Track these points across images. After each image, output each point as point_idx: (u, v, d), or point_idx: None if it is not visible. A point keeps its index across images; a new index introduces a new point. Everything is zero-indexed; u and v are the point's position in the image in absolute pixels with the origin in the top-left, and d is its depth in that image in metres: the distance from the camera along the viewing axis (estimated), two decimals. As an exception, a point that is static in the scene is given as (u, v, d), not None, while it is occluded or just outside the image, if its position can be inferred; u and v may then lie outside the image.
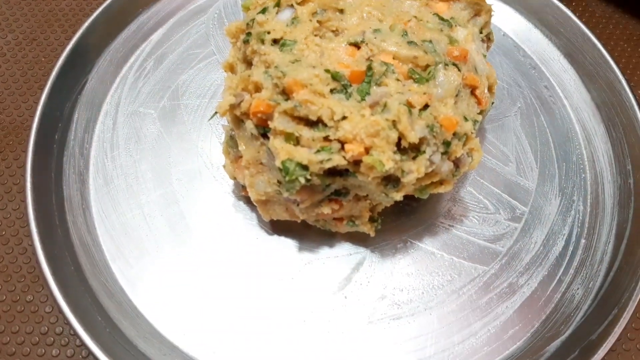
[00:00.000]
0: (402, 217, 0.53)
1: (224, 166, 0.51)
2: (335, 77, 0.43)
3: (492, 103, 0.52)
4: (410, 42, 0.46)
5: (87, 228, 0.52)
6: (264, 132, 0.44)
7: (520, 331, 0.49)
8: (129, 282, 0.50)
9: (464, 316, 0.49)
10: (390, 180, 0.44)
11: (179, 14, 0.65)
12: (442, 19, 0.49)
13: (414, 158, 0.43)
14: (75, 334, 0.44)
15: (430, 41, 0.47)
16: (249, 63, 0.48)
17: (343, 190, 0.46)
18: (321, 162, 0.41)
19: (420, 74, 0.45)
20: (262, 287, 0.50)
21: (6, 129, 0.60)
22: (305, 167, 0.41)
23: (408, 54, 0.45)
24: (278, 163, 0.42)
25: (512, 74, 0.63)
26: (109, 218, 0.53)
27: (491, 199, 0.55)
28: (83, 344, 0.44)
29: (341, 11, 0.48)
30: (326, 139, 0.42)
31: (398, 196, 0.45)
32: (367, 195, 0.46)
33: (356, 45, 0.46)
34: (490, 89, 0.50)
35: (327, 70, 0.43)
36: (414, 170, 0.42)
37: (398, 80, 0.44)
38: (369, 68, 0.44)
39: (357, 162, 0.42)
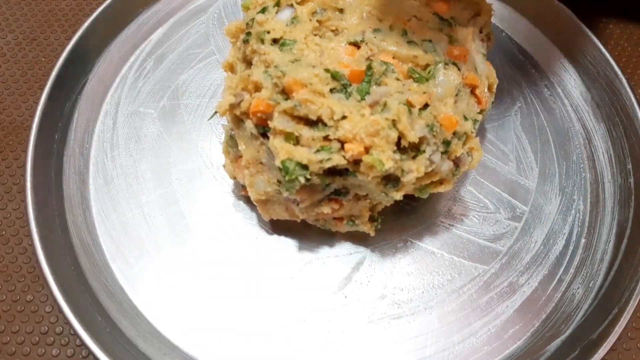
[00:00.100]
0: (402, 216, 0.53)
1: (224, 166, 0.51)
2: (335, 76, 0.43)
3: (492, 102, 0.52)
4: (410, 42, 0.46)
5: (87, 228, 0.52)
6: (263, 131, 0.44)
7: (520, 330, 0.49)
8: (129, 281, 0.50)
9: (464, 315, 0.49)
10: (390, 179, 0.44)
11: (178, 14, 0.65)
12: (442, 18, 0.49)
13: (413, 157, 0.43)
14: (75, 334, 0.45)
15: (430, 41, 0.47)
16: (248, 63, 0.48)
17: (343, 189, 0.46)
18: (321, 161, 0.41)
19: (420, 73, 0.45)
20: (262, 287, 0.50)
21: (6, 129, 0.60)
22: (305, 167, 0.41)
23: (408, 53, 0.45)
24: (278, 162, 0.42)
25: (512, 73, 0.63)
26: (109, 218, 0.53)
27: (491, 198, 0.55)
28: (83, 344, 0.44)
29: (341, 11, 0.48)
30: (326, 138, 0.42)
31: (398, 195, 0.45)
32: (367, 194, 0.46)
33: (356, 45, 0.46)
34: (490, 88, 0.50)
35: (327, 70, 0.43)
36: (414, 170, 0.42)
37: (398, 79, 0.44)
38: (369, 67, 0.44)
39: (357, 162, 0.42)
